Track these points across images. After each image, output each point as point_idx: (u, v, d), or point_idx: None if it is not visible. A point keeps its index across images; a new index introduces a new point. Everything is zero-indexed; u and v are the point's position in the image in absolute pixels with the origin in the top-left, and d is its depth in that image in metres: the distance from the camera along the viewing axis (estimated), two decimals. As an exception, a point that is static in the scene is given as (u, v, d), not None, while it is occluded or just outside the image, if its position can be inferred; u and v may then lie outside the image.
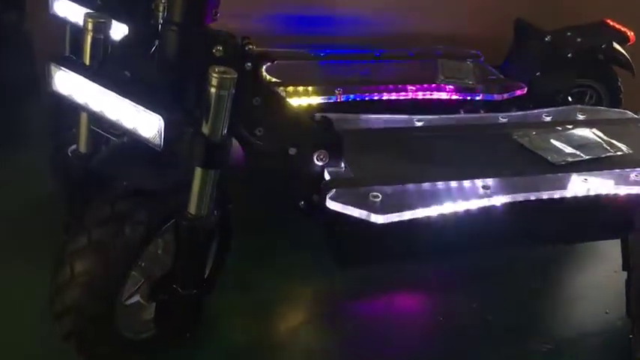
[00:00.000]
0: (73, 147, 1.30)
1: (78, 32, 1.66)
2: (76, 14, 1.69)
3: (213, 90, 1.05)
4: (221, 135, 1.09)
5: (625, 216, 1.48)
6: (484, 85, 2.08)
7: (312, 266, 1.53)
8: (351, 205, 1.23)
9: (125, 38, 1.26)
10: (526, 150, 1.50)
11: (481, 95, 2.04)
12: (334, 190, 1.28)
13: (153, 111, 1.02)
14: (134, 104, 1.04)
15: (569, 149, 1.51)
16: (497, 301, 1.53)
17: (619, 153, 1.52)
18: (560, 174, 1.42)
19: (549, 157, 1.47)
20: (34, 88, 1.80)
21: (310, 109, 1.91)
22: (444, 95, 2.03)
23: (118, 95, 1.04)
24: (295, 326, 1.42)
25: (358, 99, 1.98)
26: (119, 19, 1.58)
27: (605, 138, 1.58)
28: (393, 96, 2.00)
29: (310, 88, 1.98)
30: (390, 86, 2.04)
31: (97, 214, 1.18)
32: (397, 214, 1.23)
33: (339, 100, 1.95)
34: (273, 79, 1.99)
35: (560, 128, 1.61)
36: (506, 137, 1.55)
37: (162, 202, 1.19)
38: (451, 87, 2.04)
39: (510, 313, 1.51)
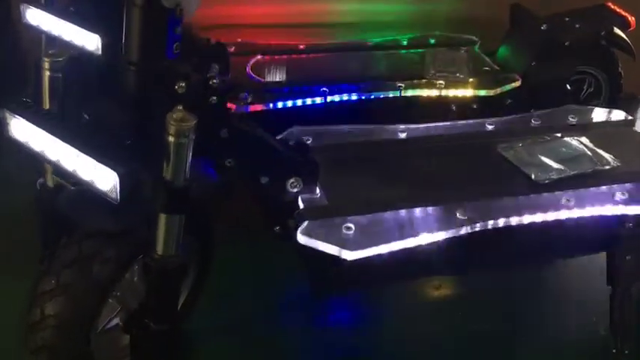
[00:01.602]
0: (41, 180, 1.29)
1: (52, 41, 1.65)
2: (49, 23, 1.66)
3: (171, 139, 1.02)
4: (183, 180, 1.07)
5: (610, 232, 1.45)
6: (476, 79, 2.01)
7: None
8: (322, 240, 1.21)
9: (88, 68, 1.22)
10: (510, 165, 1.45)
11: (472, 91, 1.98)
12: (306, 222, 1.26)
13: (108, 165, 1.00)
14: (89, 157, 1.01)
15: (555, 164, 1.45)
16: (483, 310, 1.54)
17: (607, 167, 1.47)
18: (543, 194, 1.38)
19: (533, 175, 1.42)
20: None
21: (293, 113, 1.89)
22: (434, 92, 1.96)
23: (72, 147, 1.02)
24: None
25: (346, 98, 1.93)
26: (91, 29, 1.55)
27: (594, 149, 1.52)
28: (382, 95, 1.95)
29: (297, 88, 1.94)
30: (380, 83, 1.98)
31: (65, 254, 1.18)
32: (369, 249, 1.20)
33: (326, 101, 1.91)
34: (259, 78, 1.95)
35: (547, 137, 1.55)
36: (491, 150, 1.50)
37: (130, 240, 1.19)
38: (441, 82, 1.97)
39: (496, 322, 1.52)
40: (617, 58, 2.21)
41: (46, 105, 1.14)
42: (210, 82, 1.17)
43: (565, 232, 1.41)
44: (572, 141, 1.54)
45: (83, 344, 1.20)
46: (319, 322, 1.54)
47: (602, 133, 1.61)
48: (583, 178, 1.43)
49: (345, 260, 1.23)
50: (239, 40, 2.12)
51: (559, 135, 1.57)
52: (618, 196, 1.40)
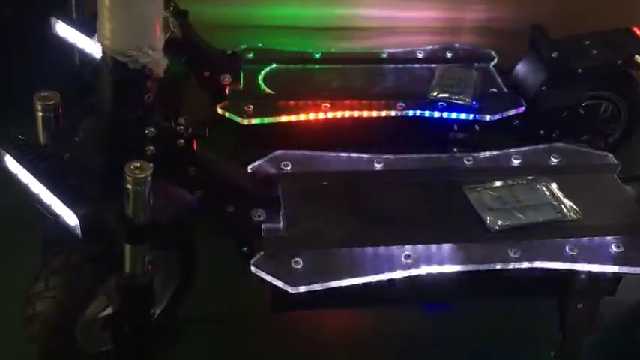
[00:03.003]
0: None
1: (83, 54, 1.83)
2: (75, 37, 1.84)
3: (129, 187, 1.19)
4: (143, 218, 1.24)
5: (562, 279, 1.50)
6: (479, 103, 2.03)
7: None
8: (271, 274, 1.35)
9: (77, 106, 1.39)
10: (469, 208, 1.53)
11: (472, 115, 2.01)
12: (260, 253, 1.40)
13: (70, 207, 1.18)
14: (57, 197, 1.19)
15: (513, 211, 1.51)
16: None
17: (566, 219, 1.51)
18: (491, 242, 1.45)
19: (488, 220, 1.49)
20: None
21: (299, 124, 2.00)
22: (435, 113, 2.01)
23: (46, 187, 1.20)
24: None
25: (347, 115, 2.01)
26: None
27: (560, 197, 1.56)
28: (383, 113, 2.02)
29: (301, 102, 2.03)
30: (382, 102, 2.05)
31: (54, 262, 1.39)
32: (312, 285, 1.33)
33: (326, 117, 2.01)
34: (268, 91, 2.07)
35: (517, 181, 1.59)
36: (457, 190, 1.57)
37: (111, 255, 1.38)
38: (443, 104, 2.02)
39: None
40: (636, 82, 2.17)
41: (42, 140, 1.32)
42: (178, 128, 1.32)
43: (515, 274, 1.48)
44: (541, 187, 1.58)
45: (69, 337, 1.43)
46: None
47: (577, 180, 1.63)
48: (537, 229, 1.48)
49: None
50: (259, 45, 2.25)
51: (530, 178, 1.61)
52: (568, 251, 1.45)
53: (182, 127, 1.32)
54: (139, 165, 1.19)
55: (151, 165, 1.19)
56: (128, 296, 1.36)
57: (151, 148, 1.30)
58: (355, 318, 1.66)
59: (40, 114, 1.29)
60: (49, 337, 1.41)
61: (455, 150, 2.11)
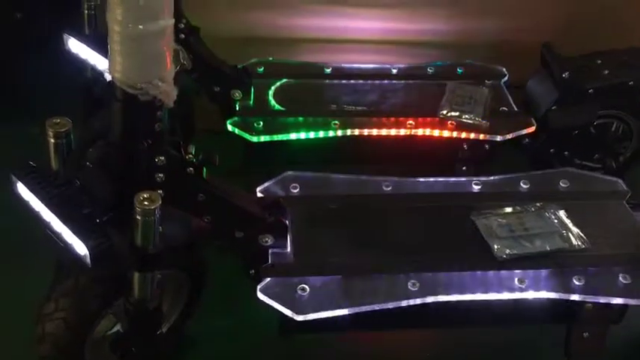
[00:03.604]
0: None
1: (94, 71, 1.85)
2: (87, 53, 1.86)
3: (138, 217, 1.20)
4: (152, 247, 1.25)
5: (569, 307, 1.50)
6: (489, 122, 2.03)
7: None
8: (276, 301, 1.36)
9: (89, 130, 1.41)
10: (477, 236, 1.53)
11: (482, 135, 2.01)
12: (267, 279, 1.41)
13: (80, 238, 1.20)
14: (68, 227, 1.21)
15: (521, 240, 1.51)
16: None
17: (574, 249, 1.50)
18: (497, 272, 1.45)
19: (495, 248, 1.49)
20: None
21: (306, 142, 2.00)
22: (445, 133, 2.01)
23: (57, 216, 1.22)
24: None
25: (356, 134, 2.02)
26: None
27: (568, 226, 1.55)
28: (393, 132, 2.02)
29: (310, 119, 2.04)
30: (391, 119, 2.05)
31: (64, 284, 1.41)
32: (317, 313, 1.35)
33: (336, 135, 2.01)
34: (278, 107, 2.07)
35: (525, 208, 1.59)
36: (465, 216, 1.57)
37: (118, 279, 1.40)
38: (453, 123, 2.02)
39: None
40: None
41: (54, 166, 1.33)
42: (187, 156, 1.33)
43: (521, 302, 1.48)
44: (549, 214, 1.58)
45: (77, 357, 1.46)
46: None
47: (586, 207, 1.62)
48: (544, 259, 1.48)
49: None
50: (270, 58, 2.25)
51: (539, 205, 1.61)
52: (575, 281, 1.45)
53: (191, 155, 1.33)
54: (147, 195, 1.20)
55: (160, 194, 1.21)
56: (136, 320, 1.38)
57: (161, 175, 1.31)
58: (360, 342, 1.67)
59: (52, 140, 1.31)
60: (58, 358, 1.44)
61: (464, 168, 2.13)
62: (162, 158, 1.30)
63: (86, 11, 1.86)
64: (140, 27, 1.10)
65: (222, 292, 1.72)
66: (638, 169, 2.22)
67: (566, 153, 2.17)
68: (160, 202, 1.19)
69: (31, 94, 2.39)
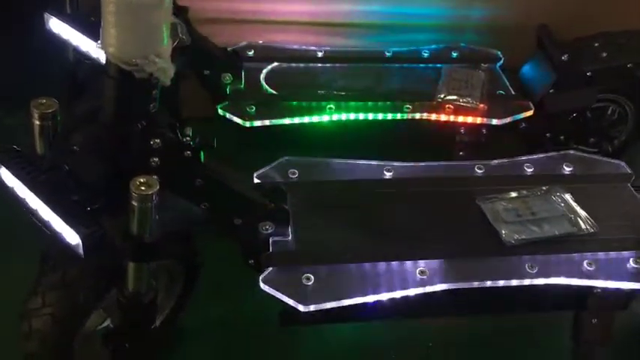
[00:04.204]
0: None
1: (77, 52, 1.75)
2: (69, 33, 1.76)
3: (135, 203, 1.12)
4: (148, 235, 1.17)
5: (578, 293, 1.46)
6: (486, 106, 1.98)
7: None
8: (281, 291, 1.30)
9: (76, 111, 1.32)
10: (484, 221, 1.48)
11: (480, 119, 1.96)
12: (270, 269, 1.34)
13: (72, 227, 1.11)
14: (58, 215, 1.12)
15: (529, 224, 1.46)
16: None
17: (582, 233, 1.46)
18: (507, 257, 1.41)
19: (503, 233, 1.44)
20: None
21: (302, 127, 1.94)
22: (442, 117, 1.96)
23: (46, 203, 1.13)
24: None
25: (351, 117, 1.96)
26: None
27: (575, 209, 1.51)
28: (389, 116, 1.96)
29: (304, 104, 1.97)
30: (388, 102, 1.99)
31: (50, 278, 1.32)
32: (324, 303, 1.28)
33: (330, 119, 1.95)
34: (270, 91, 2.00)
35: (531, 192, 1.55)
36: (470, 200, 1.52)
37: (109, 271, 1.31)
38: (450, 107, 1.96)
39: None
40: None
41: (39, 150, 1.25)
42: (184, 139, 1.25)
43: (530, 288, 1.44)
44: (555, 198, 1.53)
45: (66, 354, 1.37)
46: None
47: (591, 190, 1.59)
48: (554, 243, 1.44)
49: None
50: (260, 42, 2.17)
51: (544, 189, 1.57)
52: (586, 266, 1.41)
53: (188, 138, 1.25)
54: (144, 180, 1.12)
55: (158, 180, 1.13)
56: (130, 314, 1.30)
57: (156, 159, 1.23)
58: (366, 330, 1.61)
59: (37, 122, 1.22)
60: (46, 355, 1.35)
61: (461, 153, 2.08)
62: (158, 141, 1.21)
63: (68, -11, 1.77)
64: (136, -3, 1.02)
65: (217, 283, 1.66)
66: (632, 152, 2.21)
67: (562, 137, 2.14)
68: (158, 188, 1.12)
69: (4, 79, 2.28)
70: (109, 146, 1.18)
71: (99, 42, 1.09)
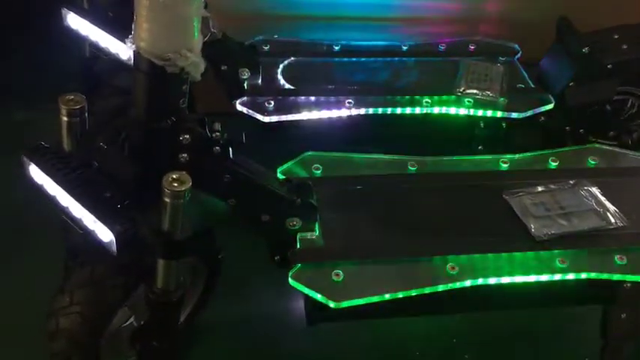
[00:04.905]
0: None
1: (94, 47, 1.73)
2: (87, 29, 1.74)
3: (167, 199, 1.10)
4: (181, 232, 1.16)
5: (608, 287, 1.45)
6: (506, 99, 1.96)
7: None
8: (310, 287, 1.28)
9: (103, 107, 1.30)
10: (512, 215, 1.46)
11: (500, 112, 1.94)
12: (298, 265, 1.33)
13: (106, 224, 1.09)
14: (90, 212, 1.11)
15: (558, 218, 1.45)
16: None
17: (612, 227, 1.45)
18: (537, 252, 1.39)
19: (533, 228, 1.43)
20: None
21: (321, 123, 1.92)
22: (461, 110, 1.94)
23: (78, 200, 1.11)
24: None
25: (370, 112, 1.94)
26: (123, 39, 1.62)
27: (603, 203, 1.50)
28: (408, 110, 1.95)
29: (322, 99, 1.95)
30: (406, 97, 1.97)
31: (79, 276, 1.30)
32: (354, 300, 1.27)
33: (350, 114, 1.93)
34: (287, 86, 1.98)
35: (558, 185, 1.53)
36: (497, 195, 1.51)
37: (138, 268, 1.30)
38: (470, 100, 1.95)
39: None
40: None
41: (67, 147, 1.23)
42: (213, 135, 1.23)
43: (559, 282, 1.42)
44: (582, 192, 1.52)
45: (93, 353, 1.36)
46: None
47: (618, 184, 1.57)
48: (584, 238, 1.42)
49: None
50: (275, 36, 2.15)
51: (572, 183, 1.55)
52: (617, 260, 1.40)
53: (218, 134, 1.24)
54: (177, 177, 1.10)
55: (189, 177, 1.12)
56: (158, 311, 1.28)
57: (185, 155, 1.22)
58: (388, 327, 1.60)
59: (66, 119, 1.20)
60: (73, 354, 1.33)
61: (480, 147, 2.07)
62: (187, 137, 1.20)
63: (85, -15, 1.75)
64: (170, -11, 1.00)
65: (237, 279, 1.64)
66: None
67: (581, 130, 2.13)
68: (190, 184, 1.10)
69: (17, 77, 2.25)
70: (139, 143, 1.17)
71: (130, 37, 1.07)
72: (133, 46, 1.08)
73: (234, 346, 1.58)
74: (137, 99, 1.14)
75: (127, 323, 1.44)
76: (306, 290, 1.28)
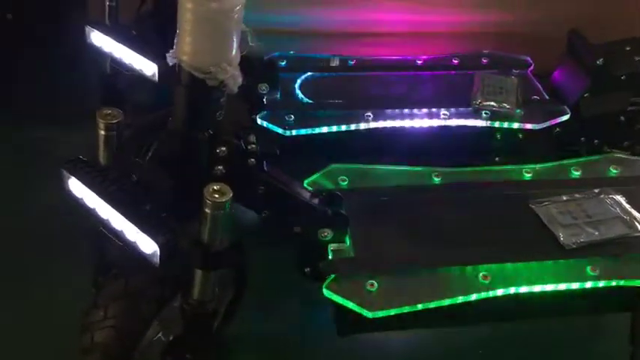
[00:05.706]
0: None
1: (116, 63, 1.75)
2: (111, 46, 1.75)
3: (208, 210, 1.11)
4: (219, 243, 1.16)
5: (636, 292, 1.46)
6: (523, 111, 1.99)
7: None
8: (345, 297, 1.29)
9: (138, 122, 1.31)
10: (540, 224, 1.48)
11: (517, 124, 1.97)
12: (332, 276, 1.33)
13: (149, 235, 1.10)
14: (133, 224, 1.11)
15: (585, 226, 1.47)
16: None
17: (637, 234, 1.46)
18: (568, 261, 1.41)
19: (562, 237, 1.44)
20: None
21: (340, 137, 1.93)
22: (479, 123, 1.97)
23: (120, 213, 1.12)
24: None
25: (389, 126, 1.96)
26: (149, 57, 1.64)
27: (629, 211, 1.52)
28: (426, 123, 1.97)
29: (342, 112, 1.97)
30: (424, 111, 2.00)
31: (113, 289, 1.30)
32: (389, 310, 1.28)
33: (370, 127, 1.94)
34: (307, 100, 2.00)
35: (583, 194, 1.55)
36: (523, 204, 1.53)
37: (172, 281, 1.30)
38: (487, 113, 1.97)
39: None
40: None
41: (103, 160, 1.23)
42: (249, 147, 1.25)
43: (588, 290, 1.43)
44: (607, 200, 1.54)
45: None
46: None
47: (640, 192, 1.60)
48: (612, 245, 1.44)
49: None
50: (291, 52, 2.17)
51: (596, 191, 1.57)
52: (645, 266, 1.41)
53: (253, 146, 1.25)
54: (218, 188, 1.11)
55: (230, 188, 1.12)
56: (194, 323, 1.28)
57: (220, 167, 1.23)
58: (416, 338, 1.60)
59: (103, 133, 1.20)
60: None
61: (497, 159, 2.09)
62: (224, 149, 1.21)
63: (107, 2, 1.77)
64: (214, 4, 1.02)
65: (264, 290, 1.64)
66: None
67: (595, 141, 2.16)
68: (231, 195, 1.11)
69: (28, 97, 2.27)
70: (178, 155, 1.18)
71: (171, 51, 1.09)
72: (175, 59, 1.09)
73: (264, 358, 1.57)
74: (177, 111, 1.15)
75: (158, 336, 1.45)
76: (341, 300, 1.29)
